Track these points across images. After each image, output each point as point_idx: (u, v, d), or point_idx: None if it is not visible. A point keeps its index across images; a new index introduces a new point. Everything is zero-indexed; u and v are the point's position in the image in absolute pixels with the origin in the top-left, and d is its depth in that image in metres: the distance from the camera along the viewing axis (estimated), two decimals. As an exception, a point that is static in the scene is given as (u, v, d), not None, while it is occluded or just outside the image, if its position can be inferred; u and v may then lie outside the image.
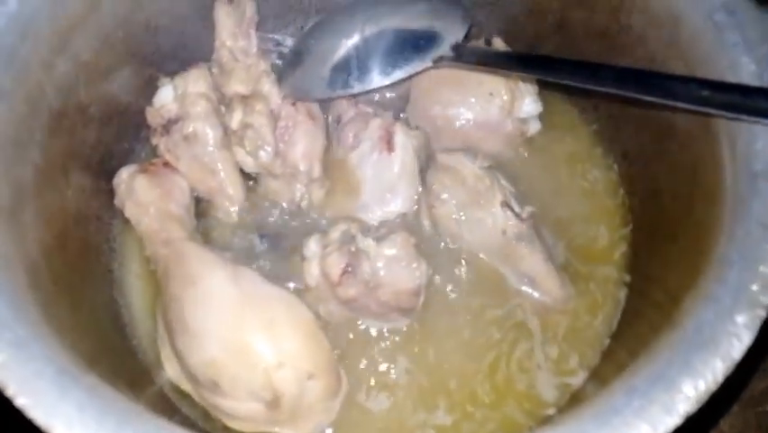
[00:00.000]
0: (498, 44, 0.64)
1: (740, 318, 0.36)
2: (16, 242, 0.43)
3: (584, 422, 0.35)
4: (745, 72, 0.45)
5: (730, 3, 0.47)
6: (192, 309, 0.52)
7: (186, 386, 0.54)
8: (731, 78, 0.45)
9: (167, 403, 0.53)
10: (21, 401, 0.32)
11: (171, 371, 0.55)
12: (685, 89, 0.44)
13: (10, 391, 0.32)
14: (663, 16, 0.52)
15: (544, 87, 0.63)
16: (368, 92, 0.60)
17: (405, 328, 0.57)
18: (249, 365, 0.49)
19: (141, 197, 0.59)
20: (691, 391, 0.34)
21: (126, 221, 0.60)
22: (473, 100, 0.62)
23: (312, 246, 0.57)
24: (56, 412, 0.32)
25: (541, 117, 0.64)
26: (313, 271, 0.57)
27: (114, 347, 0.52)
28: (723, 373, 0.34)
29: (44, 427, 0.32)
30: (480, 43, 0.64)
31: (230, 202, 0.63)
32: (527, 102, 0.63)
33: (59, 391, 0.33)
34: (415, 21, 0.60)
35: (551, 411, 0.53)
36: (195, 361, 0.51)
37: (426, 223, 0.60)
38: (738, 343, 0.35)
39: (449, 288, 0.58)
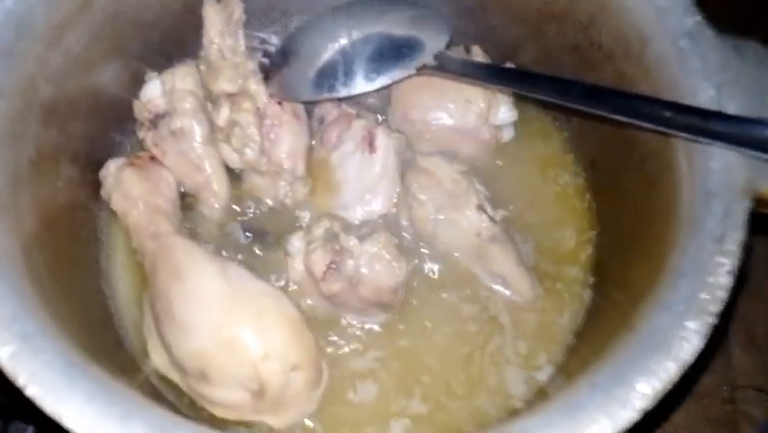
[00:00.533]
0: (477, 52, 0.67)
1: (691, 324, 0.40)
2: (15, 235, 0.44)
3: (550, 414, 0.39)
4: (705, 96, 0.49)
5: (694, 30, 0.51)
6: (180, 302, 0.54)
7: (173, 376, 0.56)
8: (691, 101, 0.49)
9: (154, 392, 0.55)
10: (31, 391, 0.34)
11: (158, 360, 0.57)
12: (650, 110, 0.48)
13: (21, 381, 0.34)
14: (631, 37, 0.55)
15: (518, 95, 0.66)
16: (352, 97, 0.62)
17: (384, 323, 0.60)
18: (237, 357, 0.52)
19: (129, 190, 0.60)
20: (647, 390, 0.38)
21: (112, 212, 0.61)
22: (452, 106, 0.65)
23: (296, 243, 0.60)
24: (65, 401, 0.34)
25: (515, 124, 0.68)
26: (296, 267, 0.60)
27: (102, 337, 0.54)
28: (675, 373, 0.38)
29: (54, 415, 0.34)
30: (459, 50, 0.67)
31: (215, 198, 0.65)
32: (503, 110, 0.66)
33: (67, 381, 0.35)
34: (399, 28, 0.63)
35: (518, 404, 0.57)
36: (183, 352, 0.53)
37: (405, 223, 0.63)
38: (689, 346, 0.39)
39: (426, 285, 0.61)
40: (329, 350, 0.60)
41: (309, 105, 0.67)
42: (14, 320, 0.36)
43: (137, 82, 0.64)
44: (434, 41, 0.62)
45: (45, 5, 0.50)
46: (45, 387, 0.34)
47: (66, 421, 0.33)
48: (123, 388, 0.37)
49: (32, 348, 0.35)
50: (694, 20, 0.51)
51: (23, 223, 0.47)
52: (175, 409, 0.55)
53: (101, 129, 0.63)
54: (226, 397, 0.54)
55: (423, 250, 0.62)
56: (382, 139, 0.64)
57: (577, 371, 0.51)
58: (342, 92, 0.61)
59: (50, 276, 0.46)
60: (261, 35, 0.73)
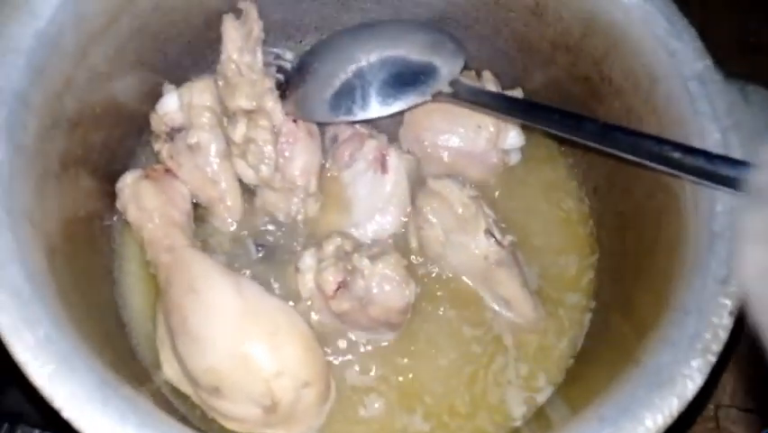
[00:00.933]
0: (488, 77, 0.69)
1: (694, 363, 0.42)
2: (42, 249, 0.45)
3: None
4: (711, 140, 0.51)
5: (703, 74, 0.53)
6: (195, 316, 0.55)
7: (185, 388, 0.57)
8: (698, 142, 0.51)
9: (166, 403, 0.56)
10: (67, 415, 0.35)
11: (171, 372, 0.58)
12: (659, 150, 0.50)
13: (57, 404, 0.35)
14: (642, 75, 0.57)
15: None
16: (368, 121, 0.64)
17: (391, 341, 0.62)
18: (250, 373, 0.53)
19: (145, 202, 0.61)
20: (651, 424, 0.40)
21: (126, 223, 0.63)
22: (462, 130, 0.67)
23: (307, 260, 0.61)
24: (100, 423, 0.35)
25: (522, 148, 0.70)
26: (307, 283, 0.61)
27: (116, 348, 0.55)
28: (678, 409, 0.41)
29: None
30: (471, 74, 0.69)
31: (228, 212, 0.66)
32: (512, 135, 0.68)
33: (101, 401, 0.36)
34: (416, 52, 0.65)
35: (518, 423, 0.59)
36: (196, 365, 0.55)
37: (414, 243, 0.65)
38: (692, 384, 0.41)
39: (432, 305, 0.63)
40: (335, 365, 0.61)
41: (321, 125, 0.68)
42: (50, 341, 0.37)
43: (155, 95, 0.65)
44: (449, 68, 0.64)
45: (74, 24, 0.51)
46: (80, 409, 0.35)
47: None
48: (154, 409, 0.39)
49: (68, 369, 0.36)
50: (704, 63, 0.53)
51: (49, 237, 0.48)
52: (186, 420, 0.56)
53: (119, 141, 0.64)
54: (238, 411, 0.55)
55: (431, 271, 0.64)
56: (394, 160, 0.65)
57: (577, 395, 0.54)
58: (360, 115, 0.63)
59: (73, 290, 0.47)
60: (276, 50, 0.74)
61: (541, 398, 0.60)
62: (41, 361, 0.36)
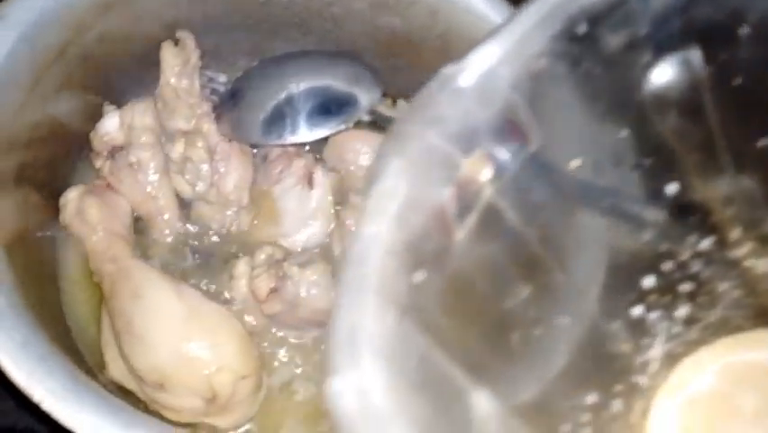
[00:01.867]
0: (402, 106, 0.79)
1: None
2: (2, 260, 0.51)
3: None
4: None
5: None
6: (140, 320, 0.61)
7: (130, 385, 0.63)
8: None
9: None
10: (48, 405, 0.41)
11: (116, 371, 0.64)
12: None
13: (36, 398, 0.41)
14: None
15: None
16: (296, 144, 0.72)
17: (315, 337, 0.70)
18: (193, 370, 0.60)
19: (90, 216, 0.66)
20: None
21: (67, 234, 0.68)
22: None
23: (241, 267, 0.69)
24: (78, 413, 0.42)
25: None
26: (241, 289, 0.68)
27: (66, 351, 0.60)
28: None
29: (70, 425, 0.41)
30: (387, 102, 0.78)
31: (166, 224, 0.72)
32: (422, 156, 0.78)
33: (77, 395, 0.42)
34: (340, 83, 0.73)
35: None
36: (142, 365, 0.61)
37: (338, 252, 0.73)
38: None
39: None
40: (266, 359, 0.69)
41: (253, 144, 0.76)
42: (27, 344, 0.43)
43: (97, 115, 0.70)
44: (368, 98, 0.73)
45: (29, 57, 0.56)
46: (60, 402, 0.42)
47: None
48: (118, 400, 0.45)
49: (46, 369, 0.42)
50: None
51: (7, 248, 0.53)
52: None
53: (63, 159, 0.68)
54: (181, 403, 0.61)
55: (352, 276, 0.73)
56: (320, 176, 0.74)
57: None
58: (289, 140, 0.70)
59: (34, 298, 0.53)
60: (209, 73, 0.80)
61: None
62: (20, 362, 0.42)
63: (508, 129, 0.37)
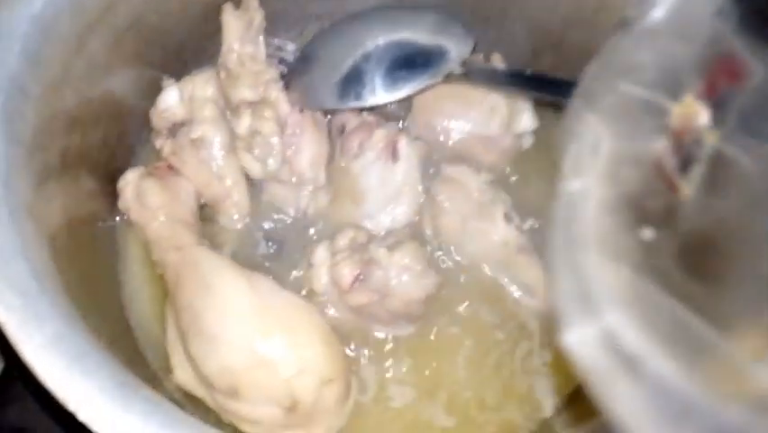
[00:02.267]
0: (497, 60, 0.67)
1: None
2: (46, 246, 0.43)
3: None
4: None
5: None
6: (209, 316, 0.53)
7: (199, 392, 0.54)
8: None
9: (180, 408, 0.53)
10: (84, 417, 0.32)
11: (183, 376, 0.55)
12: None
13: (71, 407, 0.33)
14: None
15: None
16: (379, 106, 0.61)
17: (411, 333, 0.59)
18: (270, 373, 0.51)
19: (150, 201, 0.59)
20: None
21: (129, 223, 0.60)
22: (474, 114, 0.65)
23: (321, 253, 0.59)
24: (122, 427, 0.32)
25: (535, 132, 0.67)
26: (321, 278, 0.59)
27: (125, 351, 0.52)
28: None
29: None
30: (478, 58, 0.67)
31: (235, 208, 0.63)
32: (525, 118, 0.66)
33: (121, 403, 0.33)
34: (423, 35, 0.63)
35: (547, 414, 0.57)
36: (212, 368, 0.52)
37: (429, 232, 0.62)
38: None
39: (452, 294, 0.61)
40: (355, 360, 0.59)
41: (327, 114, 0.66)
42: (60, 339, 0.34)
43: (155, 90, 0.63)
44: (458, 49, 0.62)
45: (71, 10, 0.48)
46: (98, 410, 0.33)
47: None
48: (177, 411, 0.36)
49: (81, 370, 0.34)
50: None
51: (52, 235, 0.45)
52: (202, 425, 0.53)
53: (119, 138, 0.61)
54: (257, 413, 0.52)
55: (448, 260, 0.62)
56: (404, 147, 0.63)
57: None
58: (370, 101, 0.60)
59: (79, 290, 0.45)
60: (277, 42, 0.72)
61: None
62: (51, 359, 0.33)
63: (720, 63, 0.33)
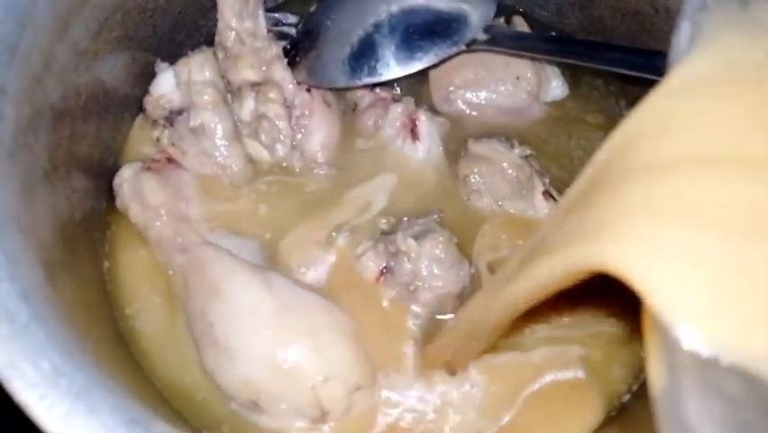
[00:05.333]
0: (519, 23, 0.62)
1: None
2: (38, 260, 0.38)
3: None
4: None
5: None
6: (222, 323, 0.48)
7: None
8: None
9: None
10: (91, 465, 0.28)
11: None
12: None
13: (75, 454, 0.28)
14: None
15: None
16: (394, 80, 0.56)
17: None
18: (293, 383, 0.46)
19: (150, 198, 0.53)
20: None
21: (129, 226, 0.55)
22: (500, 84, 0.59)
23: (340, 243, 0.54)
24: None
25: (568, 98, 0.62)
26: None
27: (130, 380, 0.47)
28: None
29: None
30: (499, 22, 0.61)
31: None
32: (554, 86, 0.61)
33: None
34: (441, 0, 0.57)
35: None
36: (230, 380, 0.47)
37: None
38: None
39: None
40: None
41: (337, 92, 0.60)
42: (60, 375, 0.29)
43: (148, 75, 0.57)
44: (480, 13, 0.56)
45: (46, -11, 0.42)
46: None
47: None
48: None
49: (86, 407, 0.29)
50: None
51: (43, 246, 0.40)
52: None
53: (112, 131, 0.56)
54: (283, 426, 0.48)
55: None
56: (425, 124, 0.58)
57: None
58: (384, 75, 0.55)
59: (77, 308, 0.40)
60: (276, 15, 0.66)
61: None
62: (50, 400, 0.29)
63: None
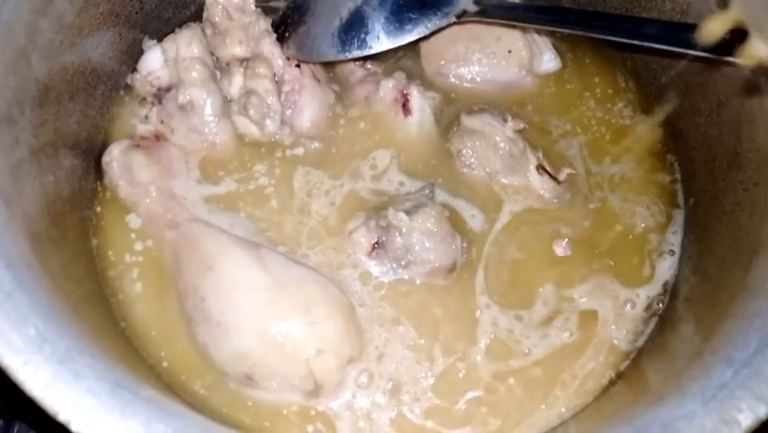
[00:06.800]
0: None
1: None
2: (25, 234, 0.37)
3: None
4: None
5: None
6: (215, 297, 0.48)
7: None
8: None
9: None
10: (77, 429, 0.27)
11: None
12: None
13: (62, 417, 0.28)
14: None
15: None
16: (384, 52, 0.55)
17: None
18: (287, 356, 0.46)
19: (139, 175, 0.53)
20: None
21: (118, 203, 0.54)
22: (491, 57, 0.59)
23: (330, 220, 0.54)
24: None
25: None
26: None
27: (117, 344, 0.47)
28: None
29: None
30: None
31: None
32: (546, 58, 0.60)
33: (119, 409, 0.28)
34: (431, -30, 0.56)
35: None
36: (223, 355, 0.47)
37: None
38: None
39: (482, 260, 0.54)
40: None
41: (327, 67, 0.60)
42: (44, 340, 0.29)
43: (135, 53, 0.56)
44: (473, -19, 0.55)
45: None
46: (93, 420, 0.27)
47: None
48: (185, 409, 0.31)
49: (71, 372, 0.28)
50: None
51: (30, 220, 0.40)
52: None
53: (100, 108, 0.55)
54: (274, 399, 0.48)
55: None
56: (417, 99, 0.57)
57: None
58: (375, 47, 0.54)
59: (65, 280, 0.39)
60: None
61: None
62: (33, 365, 0.28)
63: None
